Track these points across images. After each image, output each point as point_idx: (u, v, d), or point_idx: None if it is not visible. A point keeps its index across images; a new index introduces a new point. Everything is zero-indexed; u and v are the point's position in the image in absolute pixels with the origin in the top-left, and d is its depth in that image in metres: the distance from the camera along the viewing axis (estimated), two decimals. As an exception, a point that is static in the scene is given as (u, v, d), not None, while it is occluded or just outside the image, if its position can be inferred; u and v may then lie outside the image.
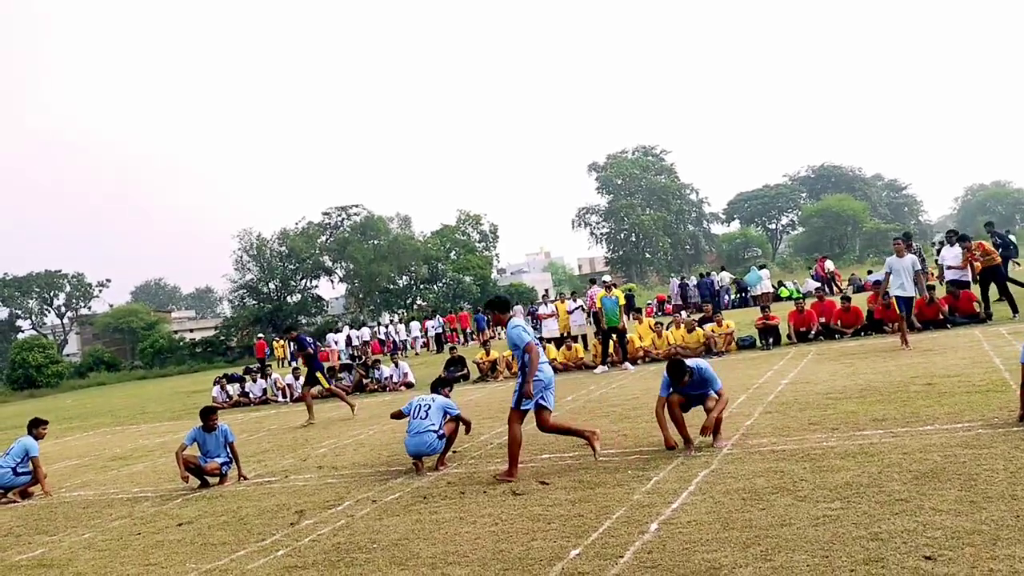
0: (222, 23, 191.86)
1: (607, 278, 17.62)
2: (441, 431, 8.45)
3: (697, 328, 16.76)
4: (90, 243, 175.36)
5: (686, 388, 7.63)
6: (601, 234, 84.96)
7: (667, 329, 17.07)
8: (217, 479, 9.36)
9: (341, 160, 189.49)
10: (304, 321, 62.66)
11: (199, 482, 9.36)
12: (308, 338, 15.14)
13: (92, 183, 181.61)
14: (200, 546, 6.69)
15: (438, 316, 39.07)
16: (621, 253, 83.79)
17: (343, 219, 65.44)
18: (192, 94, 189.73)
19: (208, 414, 9.57)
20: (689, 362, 7.66)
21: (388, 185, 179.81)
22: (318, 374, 14.60)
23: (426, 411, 8.53)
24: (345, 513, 7.10)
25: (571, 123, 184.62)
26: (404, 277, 65.72)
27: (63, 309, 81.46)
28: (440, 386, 9.39)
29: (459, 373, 18.28)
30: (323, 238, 64.94)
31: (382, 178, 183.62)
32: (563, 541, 5.42)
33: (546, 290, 46.88)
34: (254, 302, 62.98)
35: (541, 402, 7.51)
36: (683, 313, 20.15)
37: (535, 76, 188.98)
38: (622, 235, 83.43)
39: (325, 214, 65.64)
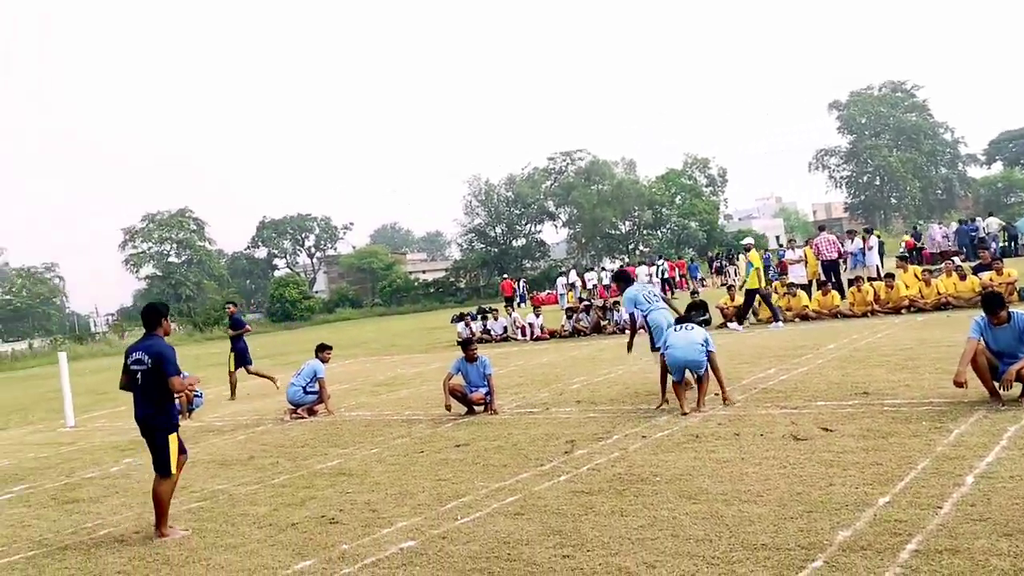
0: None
1: (748, 240, 16.93)
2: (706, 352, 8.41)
3: (971, 276, 15.24)
4: (335, 188, 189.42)
5: (998, 339, 6.91)
6: (841, 177, 79.73)
7: (936, 277, 15.68)
8: (482, 408, 9.79)
9: (567, 104, 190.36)
10: (528, 265, 64.39)
11: (465, 409, 9.85)
12: (242, 318, 15.69)
13: (340, 134, 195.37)
14: (482, 467, 7.02)
15: (663, 259, 38.53)
16: (863, 198, 78.27)
17: (567, 164, 65.96)
18: (418, 44, 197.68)
19: (467, 345, 10.08)
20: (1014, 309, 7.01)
21: (613, 129, 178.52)
22: (232, 353, 14.78)
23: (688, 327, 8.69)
24: (617, 446, 7.16)
25: (809, 58, 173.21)
26: (627, 222, 65.35)
27: (313, 250, 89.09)
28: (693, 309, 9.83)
29: (702, 318, 17.87)
30: (548, 183, 65.87)
31: (607, 122, 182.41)
32: (866, 488, 5.12)
33: (790, 238, 44.79)
34: (482, 245, 65.50)
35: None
36: (956, 259, 18.41)
37: (768, 10, 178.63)
38: (865, 178, 77.86)
39: (550, 159, 66.50)
